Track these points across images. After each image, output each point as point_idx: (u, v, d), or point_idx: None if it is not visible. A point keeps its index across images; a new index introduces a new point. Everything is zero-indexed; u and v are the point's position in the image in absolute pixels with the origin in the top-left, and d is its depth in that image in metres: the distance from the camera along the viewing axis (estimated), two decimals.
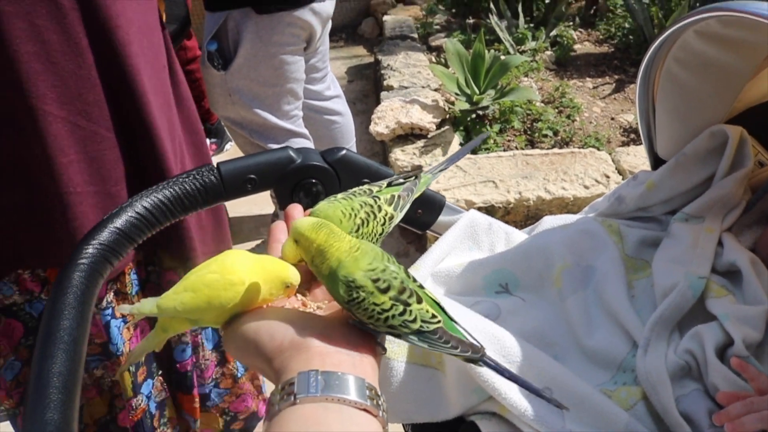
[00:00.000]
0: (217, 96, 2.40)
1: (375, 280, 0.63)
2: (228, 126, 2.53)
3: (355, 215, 0.73)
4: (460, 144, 3.08)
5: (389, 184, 0.80)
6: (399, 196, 0.77)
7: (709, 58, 1.00)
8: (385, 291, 0.63)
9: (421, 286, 0.67)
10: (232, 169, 1.00)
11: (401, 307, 0.64)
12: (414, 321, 0.64)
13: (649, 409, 0.85)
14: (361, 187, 0.79)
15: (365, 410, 0.58)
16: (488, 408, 0.87)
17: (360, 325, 0.65)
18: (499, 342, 0.89)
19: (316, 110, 2.74)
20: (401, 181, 0.81)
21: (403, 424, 0.97)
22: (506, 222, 1.18)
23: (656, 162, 1.14)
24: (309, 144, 2.54)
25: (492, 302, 0.99)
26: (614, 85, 3.91)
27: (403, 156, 2.94)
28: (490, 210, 2.58)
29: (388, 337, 0.93)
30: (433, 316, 0.66)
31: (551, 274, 1.01)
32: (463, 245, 1.08)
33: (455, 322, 0.69)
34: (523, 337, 0.93)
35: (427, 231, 1.11)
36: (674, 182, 1.07)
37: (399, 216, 0.77)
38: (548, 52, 4.15)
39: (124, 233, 0.92)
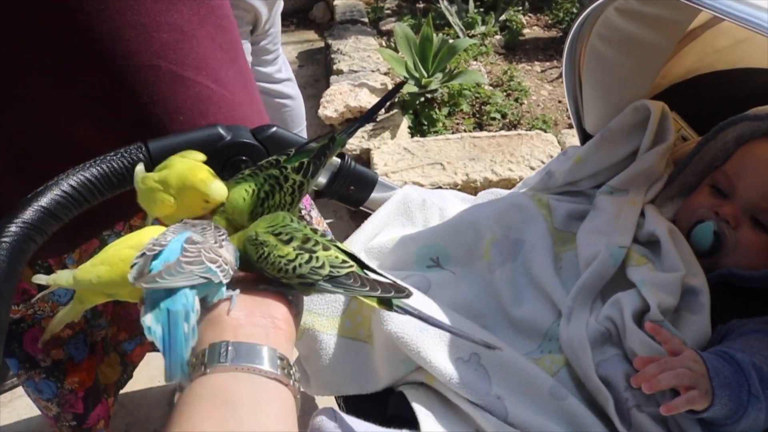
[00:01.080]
0: None
1: (277, 234, 0.66)
2: None
3: (258, 190, 0.73)
4: (409, 127, 3.09)
5: (298, 152, 0.79)
6: (309, 162, 0.77)
7: (630, 34, 1.03)
8: (287, 242, 0.66)
9: (332, 241, 0.69)
10: (161, 147, 0.98)
11: (306, 255, 0.66)
12: (322, 267, 0.66)
13: (571, 374, 0.87)
14: (268, 158, 0.79)
15: (276, 379, 0.59)
16: (416, 378, 0.89)
17: (275, 287, 0.66)
18: (428, 311, 0.90)
19: (267, 93, 2.71)
20: (312, 146, 0.81)
21: (335, 397, 0.98)
22: None
23: (584, 137, 1.17)
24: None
25: (422, 275, 1.00)
26: (562, 68, 3.96)
27: (351, 139, 2.94)
28: None
29: (318, 310, 0.94)
30: (344, 262, 0.67)
31: (480, 247, 1.03)
32: (396, 221, 1.09)
33: (375, 271, 0.71)
34: (453, 308, 0.95)
35: (361, 208, 1.12)
36: (600, 156, 1.10)
37: (311, 182, 0.77)
38: (497, 37, 4.18)
39: (49, 211, 0.90)
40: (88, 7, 1.01)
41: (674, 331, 0.86)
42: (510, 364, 0.86)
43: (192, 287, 0.61)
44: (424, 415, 0.83)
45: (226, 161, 1.00)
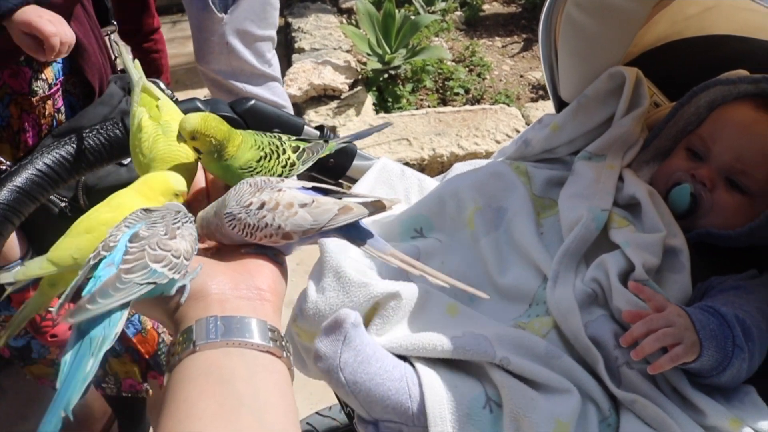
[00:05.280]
0: (213, 46, 2.40)
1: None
2: (214, 81, 2.50)
3: (262, 148, 0.74)
4: (374, 104, 3.09)
5: (297, 139, 0.82)
6: (305, 149, 0.79)
7: (606, 2, 1.04)
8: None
9: None
10: None
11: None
12: None
13: (560, 336, 0.89)
14: (271, 132, 0.80)
15: (269, 352, 0.58)
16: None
17: (256, 248, 0.66)
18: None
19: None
20: (309, 140, 0.84)
21: None
22: None
23: (560, 105, 1.18)
24: (281, 87, 2.58)
25: (411, 244, 1.00)
26: (522, 43, 3.98)
27: (316, 117, 2.93)
28: None
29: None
30: None
31: (464, 217, 1.03)
32: (379, 191, 1.09)
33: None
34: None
35: (341, 180, 1.11)
36: (577, 123, 1.11)
37: (300, 167, 0.79)
38: (458, 13, 4.18)
39: (24, 191, 0.88)
40: None
41: (658, 290, 0.89)
42: (503, 332, 0.87)
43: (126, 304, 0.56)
44: (426, 374, 0.82)
45: None
